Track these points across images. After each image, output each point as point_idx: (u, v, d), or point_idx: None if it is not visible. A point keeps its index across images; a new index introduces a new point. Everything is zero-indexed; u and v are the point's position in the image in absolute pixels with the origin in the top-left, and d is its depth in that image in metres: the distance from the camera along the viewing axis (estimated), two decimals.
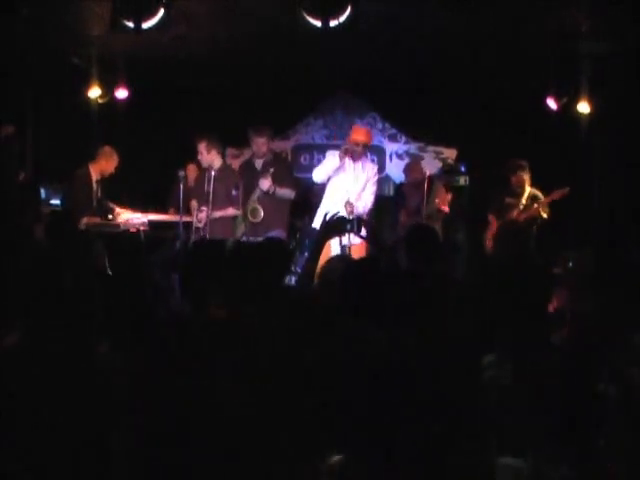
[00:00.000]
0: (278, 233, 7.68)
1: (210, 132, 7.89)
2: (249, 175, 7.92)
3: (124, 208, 8.03)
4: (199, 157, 7.81)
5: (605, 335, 3.30)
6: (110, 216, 7.91)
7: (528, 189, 8.10)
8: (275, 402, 2.94)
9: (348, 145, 7.50)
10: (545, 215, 7.98)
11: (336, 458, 2.88)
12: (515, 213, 8.06)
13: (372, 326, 3.32)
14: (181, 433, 2.85)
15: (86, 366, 2.91)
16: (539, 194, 8.07)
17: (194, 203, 7.91)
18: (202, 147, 7.75)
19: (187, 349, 3.13)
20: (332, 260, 5.24)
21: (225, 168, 7.87)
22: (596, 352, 3.17)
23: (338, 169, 7.52)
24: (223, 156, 8.11)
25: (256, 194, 7.80)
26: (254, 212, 7.78)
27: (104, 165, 8.01)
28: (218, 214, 7.66)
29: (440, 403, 2.91)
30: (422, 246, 4.68)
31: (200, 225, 7.62)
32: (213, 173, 7.55)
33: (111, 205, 8.01)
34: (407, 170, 8.97)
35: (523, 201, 8.07)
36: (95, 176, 8.02)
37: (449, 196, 8.39)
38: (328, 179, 7.62)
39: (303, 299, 4.15)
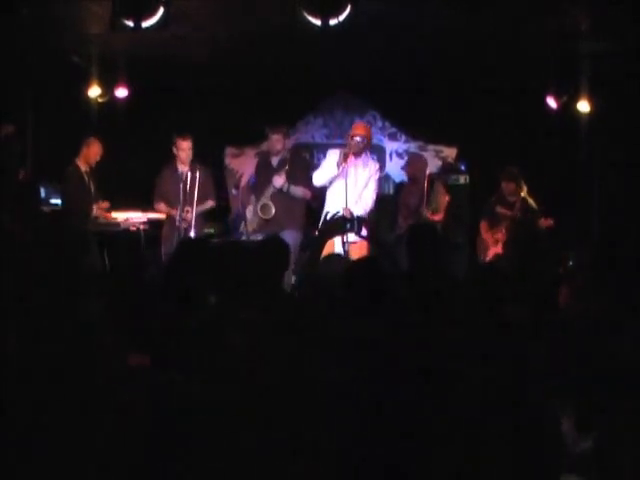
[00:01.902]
0: (291, 233, 7.63)
1: (181, 130, 7.98)
2: (264, 171, 7.93)
3: (112, 210, 8.16)
4: (186, 157, 7.89)
5: (605, 332, 3.31)
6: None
7: (522, 198, 8.02)
8: (272, 402, 2.94)
9: (347, 149, 7.47)
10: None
11: None
12: (505, 226, 8.02)
13: (372, 326, 3.32)
14: (179, 433, 2.85)
15: (86, 366, 2.91)
16: (532, 205, 8.01)
17: (162, 206, 7.97)
18: (189, 146, 7.88)
19: (184, 347, 3.14)
20: (328, 260, 5.26)
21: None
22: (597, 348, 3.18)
23: (338, 175, 7.49)
24: None
25: (269, 191, 7.77)
26: (265, 209, 7.73)
27: (86, 153, 8.18)
28: (202, 209, 7.96)
29: (441, 403, 2.91)
30: (422, 245, 4.68)
31: (185, 226, 7.73)
32: (198, 168, 7.84)
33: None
34: (407, 164, 9.10)
35: (517, 212, 8.01)
36: (84, 168, 8.16)
37: (446, 198, 8.41)
38: (329, 183, 7.61)
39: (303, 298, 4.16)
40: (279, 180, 7.67)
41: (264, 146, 8.56)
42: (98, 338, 2.99)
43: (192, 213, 7.74)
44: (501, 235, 8.03)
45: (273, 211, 7.70)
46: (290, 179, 7.70)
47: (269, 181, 7.76)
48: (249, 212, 7.91)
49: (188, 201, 7.76)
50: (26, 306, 3.40)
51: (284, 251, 4.71)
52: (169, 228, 7.95)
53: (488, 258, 8.06)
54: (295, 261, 7.83)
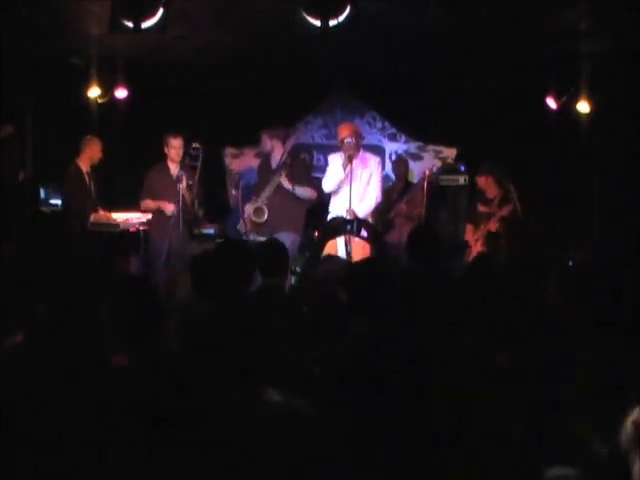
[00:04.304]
0: (287, 235, 7.61)
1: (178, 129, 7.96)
2: (264, 173, 7.93)
3: (112, 211, 8.15)
4: (177, 156, 7.87)
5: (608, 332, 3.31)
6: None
7: (498, 194, 7.98)
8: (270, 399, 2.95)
9: (348, 152, 7.45)
10: (493, 228, 7.91)
11: None
12: (483, 223, 7.99)
13: (373, 325, 3.32)
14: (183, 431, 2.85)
15: (88, 365, 2.91)
16: (512, 199, 7.94)
17: (150, 202, 7.98)
18: (180, 144, 7.88)
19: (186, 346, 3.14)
20: (325, 261, 5.26)
21: None
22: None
23: (344, 179, 7.49)
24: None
25: (265, 194, 7.76)
26: (258, 212, 7.74)
27: (89, 153, 8.16)
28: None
29: (441, 404, 2.91)
30: (424, 247, 4.69)
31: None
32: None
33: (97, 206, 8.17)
34: (393, 164, 9.54)
35: (495, 210, 7.96)
36: (85, 168, 8.17)
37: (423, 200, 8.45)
38: (338, 187, 7.61)
39: (302, 298, 4.16)
40: (286, 181, 7.68)
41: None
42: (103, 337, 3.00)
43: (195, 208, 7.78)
44: (480, 233, 8.00)
45: (265, 216, 7.71)
46: (294, 180, 7.67)
47: (267, 183, 7.77)
48: (247, 212, 7.92)
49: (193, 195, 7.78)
50: (30, 306, 3.41)
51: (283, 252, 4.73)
52: (164, 225, 7.87)
53: (471, 259, 8.03)
54: (292, 263, 7.87)
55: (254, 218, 7.74)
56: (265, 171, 7.96)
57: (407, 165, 9.39)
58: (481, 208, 8.05)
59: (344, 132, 7.60)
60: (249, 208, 7.84)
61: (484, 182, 8.02)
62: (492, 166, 8.04)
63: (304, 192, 7.73)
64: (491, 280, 4.04)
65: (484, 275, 4.08)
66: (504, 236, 7.83)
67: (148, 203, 7.99)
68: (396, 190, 8.96)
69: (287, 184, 7.65)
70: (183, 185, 7.65)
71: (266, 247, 5.01)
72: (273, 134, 7.88)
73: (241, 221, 7.99)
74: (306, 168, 8.32)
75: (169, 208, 7.74)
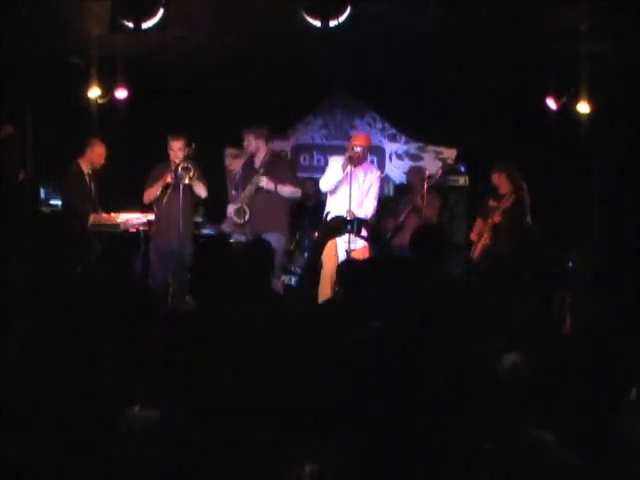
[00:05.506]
0: (272, 236, 7.57)
1: (179, 130, 7.94)
2: (247, 172, 7.91)
3: (112, 212, 8.14)
4: (176, 157, 7.83)
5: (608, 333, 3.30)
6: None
7: (510, 190, 8.04)
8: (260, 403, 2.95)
9: (350, 153, 7.48)
10: (497, 220, 7.99)
11: (312, 466, 2.87)
12: (491, 217, 8.06)
13: (374, 326, 3.32)
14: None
15: (88, 364, 2.91)
16: (523, 197, 8.01)
17: (150, 189, 7.93)
18: (178, 146, 7.80)
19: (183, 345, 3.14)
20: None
21: None
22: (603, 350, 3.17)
23: (343, 180, 7.49)
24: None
25: (246, 193, 7.73)
26: (239, 212, 7.70)
27: (91, 156, 8.13)
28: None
29: (442, 406, 2.91)
30: (427, 246, 4.69)
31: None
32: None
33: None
34: (407, 173, 9.34)
35: (504, 204, 8.03)
36: (86, 169, 8.14)
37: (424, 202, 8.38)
38: (335, 187, 7.61)
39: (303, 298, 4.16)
40: (265, 181, 7.64)
41: None
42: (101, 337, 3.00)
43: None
44: (487, 227, 8.08)
45: (247, 217, 7.66)
46: (277, 179, 7.63)
47: (249, 182, 7.76)
48: (229, 212, 7.90)
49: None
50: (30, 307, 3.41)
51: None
52: (164, 225, 7.85)
53: (477, 252, 8.09)
54: (283, 264, 7.84)
55: (235, 218, 7.70)
56: (248, 171, 7.92)
57: (420, 174, 8.84)
58: (492, 203, 8.17)
59: (359, 141, 7.68)
60: (231, 208, 7.81)
61: (497, 178, 8.13)
62: (506, 163, 8.13)
63: (287, 190, 7.67)
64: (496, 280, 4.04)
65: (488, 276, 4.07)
66: (504, 227, 7.91)
67: (149, 191, 7.92)
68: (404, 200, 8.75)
69: (268, 184, 7.60)
70: (183, 176, 7.65)
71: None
72: (258, 134, 7.85)
73: (225, 221, 7.97)
74: (288, 166, 8.27)
75: (166, 179, 7.72)
